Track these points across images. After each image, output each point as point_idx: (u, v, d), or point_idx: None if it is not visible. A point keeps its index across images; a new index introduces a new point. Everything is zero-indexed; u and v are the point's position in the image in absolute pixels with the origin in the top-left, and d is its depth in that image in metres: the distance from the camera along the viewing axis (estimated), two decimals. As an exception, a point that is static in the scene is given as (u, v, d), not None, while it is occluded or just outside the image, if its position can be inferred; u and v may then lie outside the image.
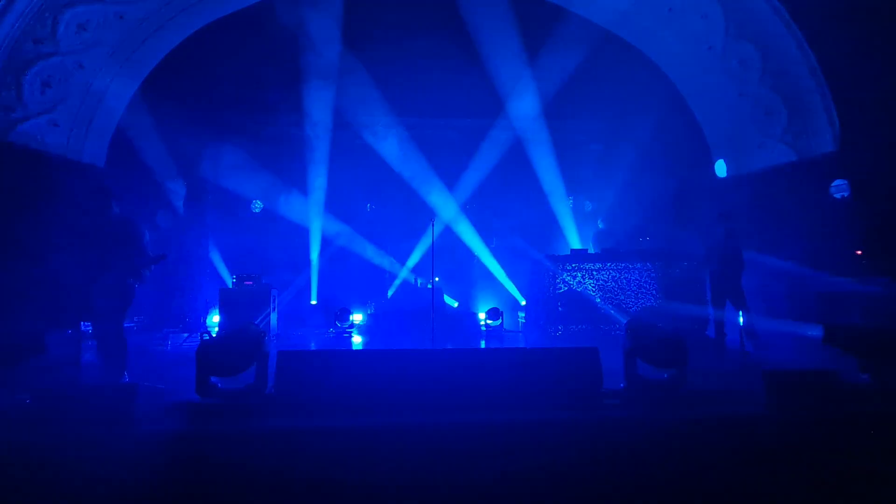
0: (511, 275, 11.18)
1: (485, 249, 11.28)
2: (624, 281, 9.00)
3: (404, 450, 4.18)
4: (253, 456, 4.05)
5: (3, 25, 7.61)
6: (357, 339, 9.41)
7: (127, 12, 8.74)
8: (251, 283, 9.27)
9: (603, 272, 9.04)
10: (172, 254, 6.11)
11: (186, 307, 10.17)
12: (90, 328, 5.79)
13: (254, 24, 9.78)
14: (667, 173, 10.82)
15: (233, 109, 11.06)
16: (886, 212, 8.21)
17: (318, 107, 10.74)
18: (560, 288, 9.01)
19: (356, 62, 10.29)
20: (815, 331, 6.62)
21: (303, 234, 11.15)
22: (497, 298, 10.76)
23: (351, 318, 9.74)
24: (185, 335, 9.19)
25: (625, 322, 6.21)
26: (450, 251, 11.15)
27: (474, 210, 11.68)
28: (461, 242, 11.33)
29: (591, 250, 10.24)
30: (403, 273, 11.12)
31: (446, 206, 11.25)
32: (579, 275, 9.03)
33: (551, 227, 11.65)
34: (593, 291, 8.97)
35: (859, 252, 8.47)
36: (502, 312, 9.72)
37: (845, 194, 8.64)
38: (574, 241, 11.25)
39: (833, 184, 8.72)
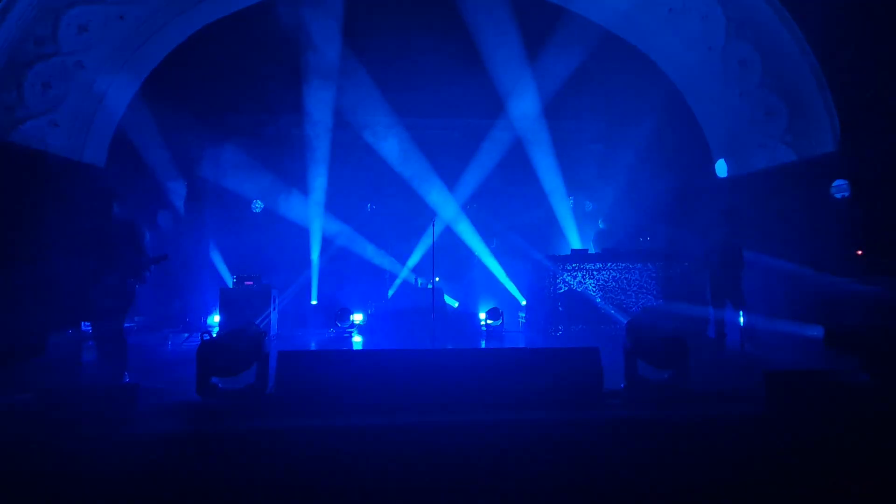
0: (511, 275, 11.18)
1: (485, 249, 11.28)
2: (624, 281, 9.00)
3: (404, 450, 4.18)
4: (253, 456, 4.06)
5: (4, 26, 7.61)
6: (357, 339, 9.41)
7: (127, 13, 8.75)
8: (251, 283, 9.28)
9: (603, 272, 9.04)
10: (173, 254, 6.10)
11: (187, 307, 10.18)
12: (90, 328, 5.79)
13: (254, 24, 9.80)
14: (667, 173, 10.82)
15: (233, 109, 11.07)
16: (887, 212, 8.21)
17: (319, 107, 10.74)
18: (560, 288, 9.01)
19: (356, 62, 10.30)
20: (815, 331, 6.63)
21: (303, 234, 11.14)
22: (497, 298, 10.76)
23: (351, 318, 9.74)
24: (186, 335, 9.20)
25: (625, 322, 6.20)
26: (450, 251, 11.15)
27: (475, 210, 11.68)
28: (461, 242, 11.33)
29: (592, 250, 10.24)
30: (404, 273, 11.12)
31: (447, 206, 11.25)
32: (580, 275, 9.03)
33: (552, 227, 11.64)
34: (594, 291, 8.98)
35: (860, 252, 8.47)
36: (503, 312, 9.72)
37: (846, 194, 8.63)
38: (574, 241, 11.24)
39: (833, 184, 8.72)
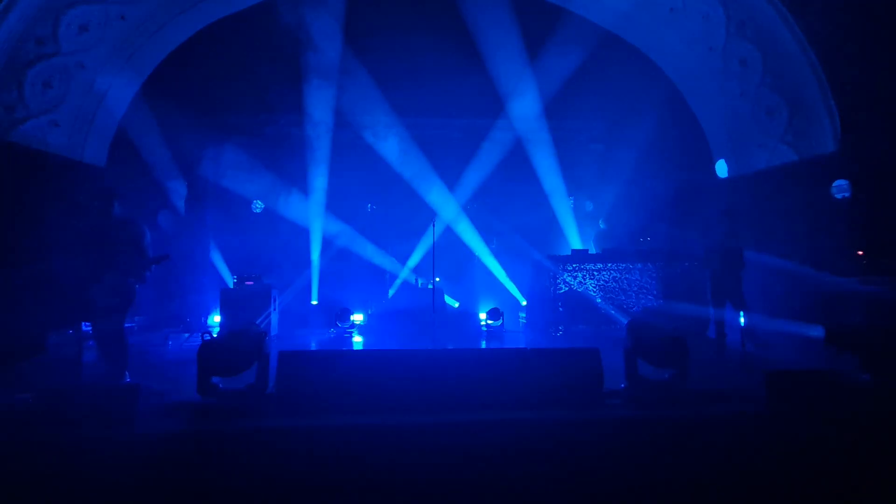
0: (512, 275, 11.18)
1: (485, 249, 11.28)
2: (625, 281, 9.00)
3: (405, 450, 4.18)
4: (254, 456, 4.06)
5: (5, 25, 7.62)
6: (358, 340, 9.41)
7: (128, 12, 8.75)
8: (252, 283, 9.28)
9: (604, 272, 9.03)
10: (173, 254, 6.09)
11: (187, 307, 10.17)
12: (90, 328, 5.79)
13: (255, 24, 9.80)
14: (668, 173, 10.82)
15: (234, 109, 11.08)
16: (887, 212, 8.21)
17: (319, 106, 10.75)
18: (561, 288, 9.01)
19: (357, 62, 10.30)
20: (816, 331, 6.62)
21: (303, 234, 11.14)
22: (498, 299, 10.76)
23: (351, 318, 9.75)
24: (186, 335, 9.19)
25: (626, 322, 6.21)
26: (450, 251, 11.15)
27: (475, 210, 11.68)
28: (462, 242, 11.33)
29: (592, 250, 10.24)
30: (404, 273, 11.12)
31: (447, 206, 11.25)
32: (580, 275, 9.03)
33: (552, 227, 11.65)
34: (594, 292, 8.97)
35: (860, 252, 8.46)
36: (503, 313, 9.72)
37: (846, 194, 8.63)
38: (575, 242, 11.25)
39: (834, 184, 8.71)
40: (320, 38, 9.89)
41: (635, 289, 8.97)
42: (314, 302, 10.85)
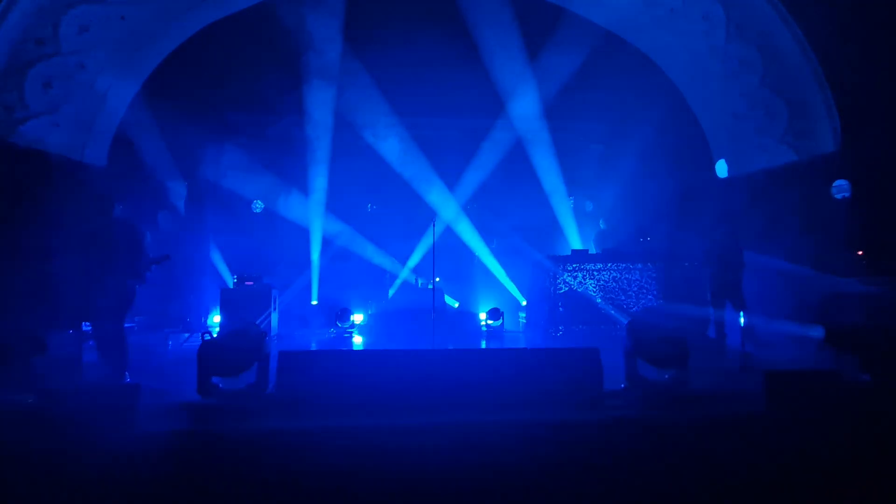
0: (512, 275, 11.18)
1: (486, 250, 11.29)
2: (625, 281, 8.99)
3: (405, 450, 4.18)
4: (254, 456, 4.06)
5: (5, 26, 7.62)
6: (358, 340, 9.41)
7: (128, 13, 8.75)
8: (252, 283, 9.28)
9: (604, 272, 9.03)
10: (173, 254, 6.10)
11: (187, 307, 10.18)
12: (90, 328, 5.80)
13: (255, 25, 9.80)
14: (668, 174, 10.82)
15: (234, 109, 11.08)
16: (887, 212, 8.21)
17: (319, 107, 10.75)
18: (561, 288, 9.01)
19: (357, 62, 10.30)
20: (815, 331, 6.62)
21: (303, 234, 11.15)
22: (498, 299, 10.76)
23: (352, 318, 9.75)
24: (186, 335, 9.19)
25: (626, 322, 6.20)
26: (451, 251, 11.15)
27: (475, 210, 11.68)
28: (462, 243, 11.33)
29: (592, 251, 10.24)
30: (404, 273, 11.13)
31: (447, 207, 11.26)
32: (580, 275, 9.03)
33: (552, 227, 11.65)
34: (594, 292, 8.97)
35: (860, 252, 8.47)
36: (503, 313, 9.72)
37: (846, 195, 8.63)
38: (575, 242, 11.25)
39: (834, 184, 8.72)
40: (320, 38, 9.89)
41: (635, 289, 8.97)
42: (314, 302, 10.85)
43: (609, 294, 8.96)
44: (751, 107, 9.67)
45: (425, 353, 5.80)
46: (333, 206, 11.30)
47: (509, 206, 11.77)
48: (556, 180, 11.49)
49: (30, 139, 8.33)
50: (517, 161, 11.48)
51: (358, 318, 9.99)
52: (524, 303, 10.76)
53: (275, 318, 9.34)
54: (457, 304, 10.91)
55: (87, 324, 6.24)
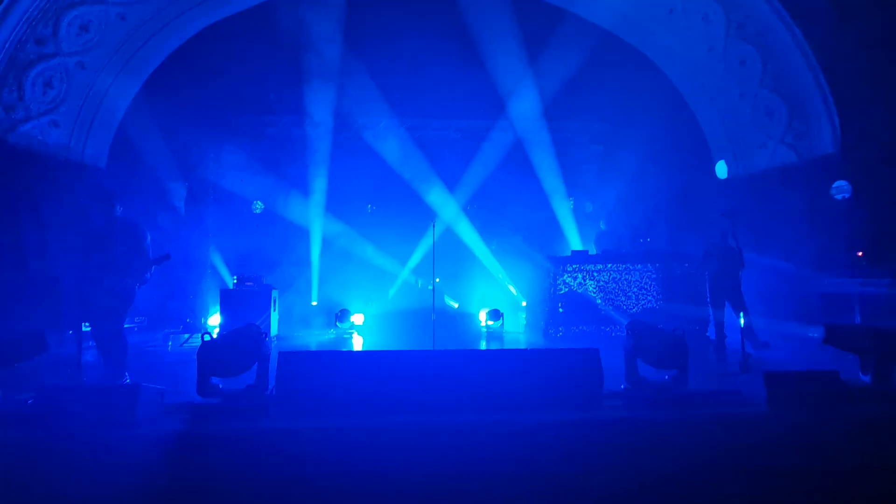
0: (512, 276, 11.18)
1: (486, 250, 11.29)
2: (625, 282, 8.99)
3: (405, 450, 4.18)
4: (254, 456, 4.05)
5: (5, 26, 7.63)
6: (357, 340, 9.41)
7: (129, 13, 8.77)
8: (252, 283, 9.28)
9: (604, 273, 9.03)
10: (173, 254, 6.10)
11: (187, 308, 10.18)
12: (91, 328, 5.80)
13: (255, 25, 9.81)
14: (668, 174, 10.83)
15: (234, 110, 11.09)
16: (887, 213, 8.22)
17: (319, 107, 10.76)
18: (561, 289, 9.00)
19: (357, 63, 10.31)
20: (815, 331, 6.62)
21: (303, 234, 11.16)
22: (498, 299, 10.76)
23: (351, 318, 9.74)
24: (186, 336, 9.20)
25: (626, 323, 6.20)
26: (451, 252, 11.15)
27: (475, 211, 11.68)
28: (462, 243, 11.33)
29: (592, 251, 10.24)
30: (404, 274, 11.13)
31: (447, 207, 11.26)
32: (580, 276, 9.03)
33: (552, 228, 11.65)
34: (594, 293, 8.97)
35: (860, 253, 8.47)
36: (503, 313, 9.72)
37: (846, 195, 8.63)
38: (575, 242, 11.25)
39: (834, 185, 8.72)
40: (320, 38, 9.90)
41: (635, 290, 8.96)
42: (314, 302, 10.85)
43: (609, 295, 8.95)
44: (751, 107, 9.68)
45: (425, 353, 5.80)
46: (333, 207, 11.31)
47: (509, 207, 11.78)
48: (556, 181, 11.49)
49: (30, 139, 8.33)
50: (517, 161, 11.49)
51: (358, 318, 9.99)
52: (524, 303, 10.76)
53: (275, 318, 9.34)
54: (456, 305, 10.91)
55: (87, 324, 6.25)
